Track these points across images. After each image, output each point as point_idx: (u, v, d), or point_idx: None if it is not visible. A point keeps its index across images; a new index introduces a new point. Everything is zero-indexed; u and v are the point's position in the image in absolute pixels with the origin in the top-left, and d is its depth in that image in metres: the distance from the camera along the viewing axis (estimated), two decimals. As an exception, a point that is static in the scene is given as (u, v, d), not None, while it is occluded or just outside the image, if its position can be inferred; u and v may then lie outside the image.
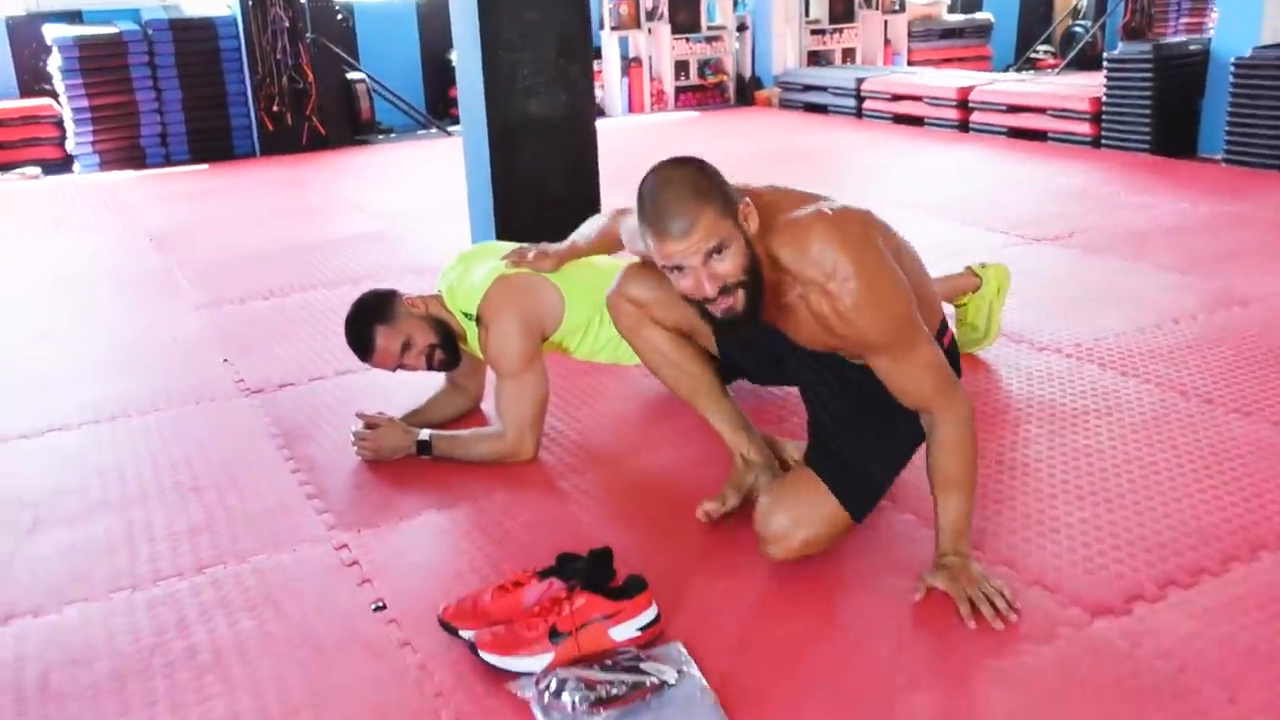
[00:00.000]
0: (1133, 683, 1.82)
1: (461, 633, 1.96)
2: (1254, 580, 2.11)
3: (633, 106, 10.05)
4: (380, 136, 8.89)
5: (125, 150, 7.91)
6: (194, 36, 7.99)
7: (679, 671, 1.84)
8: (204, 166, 7.89)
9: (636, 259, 2.42)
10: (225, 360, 3.63)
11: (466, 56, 4.31)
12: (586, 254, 2.78)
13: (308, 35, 8.20)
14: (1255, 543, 2.24)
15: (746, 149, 7.60)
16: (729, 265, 1.83)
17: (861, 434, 2.20)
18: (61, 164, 7.91)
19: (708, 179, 1.85)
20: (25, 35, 8.16)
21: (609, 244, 2.69)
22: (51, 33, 7.70)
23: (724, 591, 2.14)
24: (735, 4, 10.80)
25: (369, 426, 2.75)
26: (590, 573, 1.97)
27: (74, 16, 8.21)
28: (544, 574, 2.02)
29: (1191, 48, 7.08)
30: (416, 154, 8.06)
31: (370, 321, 2.67)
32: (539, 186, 4.43)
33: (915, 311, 2.00)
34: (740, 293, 1.86)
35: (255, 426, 3.07)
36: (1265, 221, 5.01)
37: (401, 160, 7.83)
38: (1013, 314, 3.71)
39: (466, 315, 2.74)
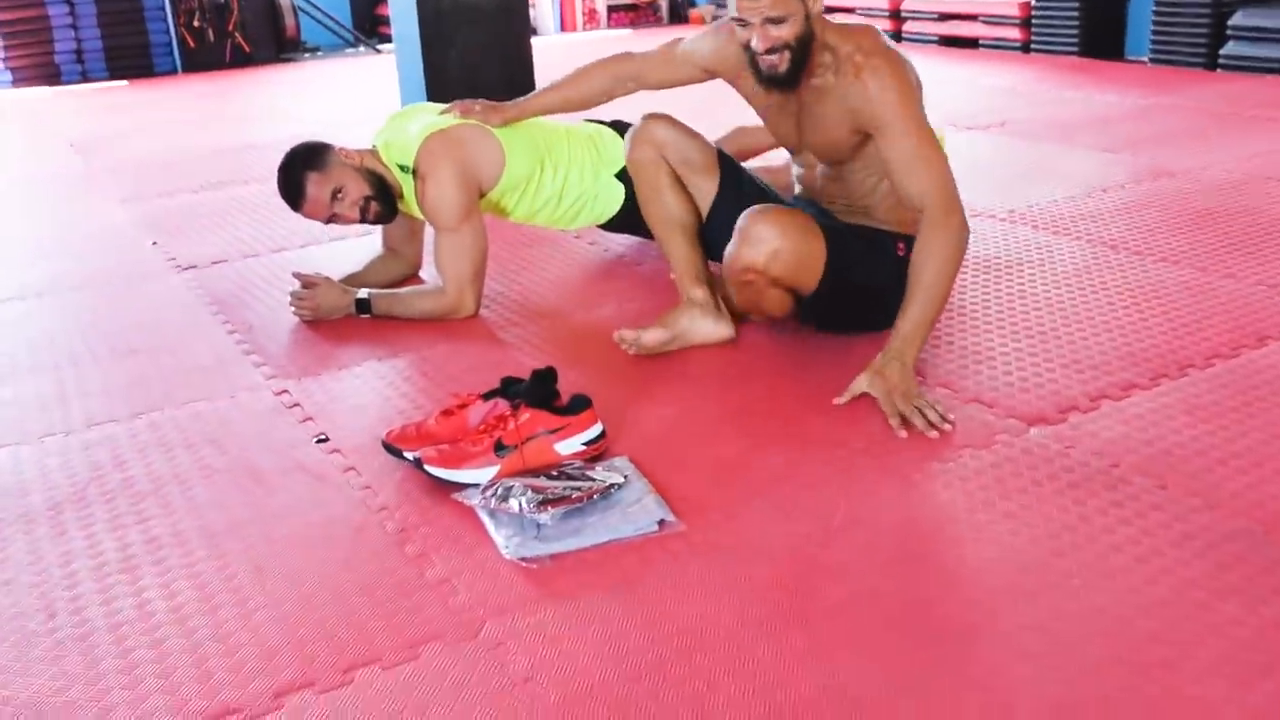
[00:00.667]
0: (1068, 477, 1.86)
1: (406, 454, 1.95)
2: (1182, 392, 2.17)
3: (565, 25, 9.91)
4: (307, 55, 8.68)
5: (39, 68, 7.63)
6: (108, -52, 7.69)
7: (625, 477, 1.85)
8: (123, 83, 7.64)
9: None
10: (154, 243, 3.55)
11: (394, -62, 4.20)
12: (547, 110, 2.76)
13: (227, -52, 7.94)
14: (1183, 362, 2.30)
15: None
16: (784, 32, 2.10)
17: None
18: (-28, 82, 7.62)
19: None
20: (-73, -53, 7.79)
21: (606, 87, 2.66)
22: (-45, -57, 7.37)
23: (668, 419, 2.15)
24: (667, -78, 10.65)
25: (306, 286, 2.71)
26: (534, 391, 1.97)
27: (-21, -72, 7.85)
28: (488, 395, 2.02)
29: (1119, -50, 7.14)
30: (345, 70, 7.89)
31: (302, 168, 2.61)
32: (472, 76, 4.37)
33: (928, 121, 2.19)
34: (786, 54, 2.13)
35: (188, 298, 3.00)
36: (1189, 110, 5.09)
37: (330, 76, 7.66)
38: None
39: (402, 169, 2.68)
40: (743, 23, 2.12)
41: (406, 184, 2.70)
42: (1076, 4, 6.87)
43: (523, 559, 1.66)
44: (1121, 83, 5.88)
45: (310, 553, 1.73)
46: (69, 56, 7.73)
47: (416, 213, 2.76)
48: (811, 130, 2.31)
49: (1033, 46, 7.20)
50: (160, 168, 4.74)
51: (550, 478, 1.84)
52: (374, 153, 2.74)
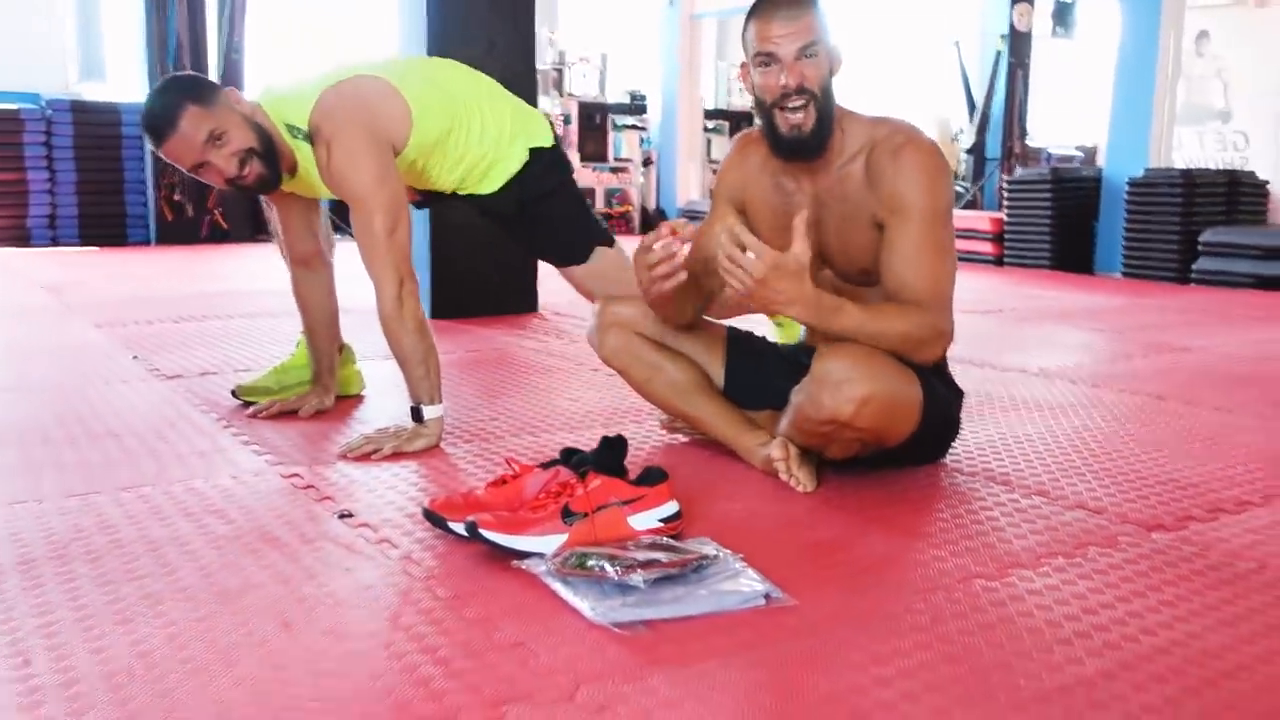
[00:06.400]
0: (1216, 574, 1.64)
1: (451, 524, 1.66)
2: (1300, 509, 1.97)
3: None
4: (282, 237, 8.62)
5: (9, 230, 7.46)
6: (96, 120, 7.70)
7: (715, 553, 1.59)
8: (94, 249, 7.48)
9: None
10: (135, 357, 3.27)
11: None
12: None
13: (215, 128, 7.99)
14: (1289, 486, 2.12)
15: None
16: (815, 71, 1.89)
17: None
18: (-64, 240, 7.42)
19: (821, 8, 1.92)
20: (-88, 110, 7.75)
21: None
22: (-59, 106, 7.34)
23: (738, 511, 1.90)
24: (641, 140, 11.07)
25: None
26: (604, 458, 1.72)
27: (-33, 95, 7.86)
28: (547, 465, 1.76)
29: (1084, 173, 7.46)
30: (322, 249, 7.79)
31: (180, 96, 2.16)
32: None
33: (952, 230, 1.97)
34: (812, 108, 1.89)
35: (175, 399, 2.72)
36: (1174, 308, 5.14)
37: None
38: (965, 349, 3.65)
39: (292, 130, 2.27)
40: (767, 60, 1.88)
41: (301, 151, 2.29)
42: (1048, 220, 7.09)
43: (616, 624, 1.37)
44: (1103, 289, 5.98)
45: (350, 612, 1.42)
46: (42, 221, 7.58)
47: (314, 188, 2.39)
48: (834, 236, 2.00)
49: (1005, 260, 7.38)
50: (136, 304, 4.50)
51: (627, 549, 1.57)
52: (261, 109, 2.28)
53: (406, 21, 4.21)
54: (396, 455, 2.18)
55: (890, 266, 1.93)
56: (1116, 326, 4.43)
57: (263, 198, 2.61)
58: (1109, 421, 2.64)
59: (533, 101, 4.45)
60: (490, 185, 2.53)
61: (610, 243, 2.68)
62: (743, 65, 1.98)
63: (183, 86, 2.22)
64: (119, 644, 1.30)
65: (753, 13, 1.92)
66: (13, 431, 2.36)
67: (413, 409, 2.27)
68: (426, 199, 2.66)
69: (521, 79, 4.29)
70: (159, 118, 2.16)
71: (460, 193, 2.57)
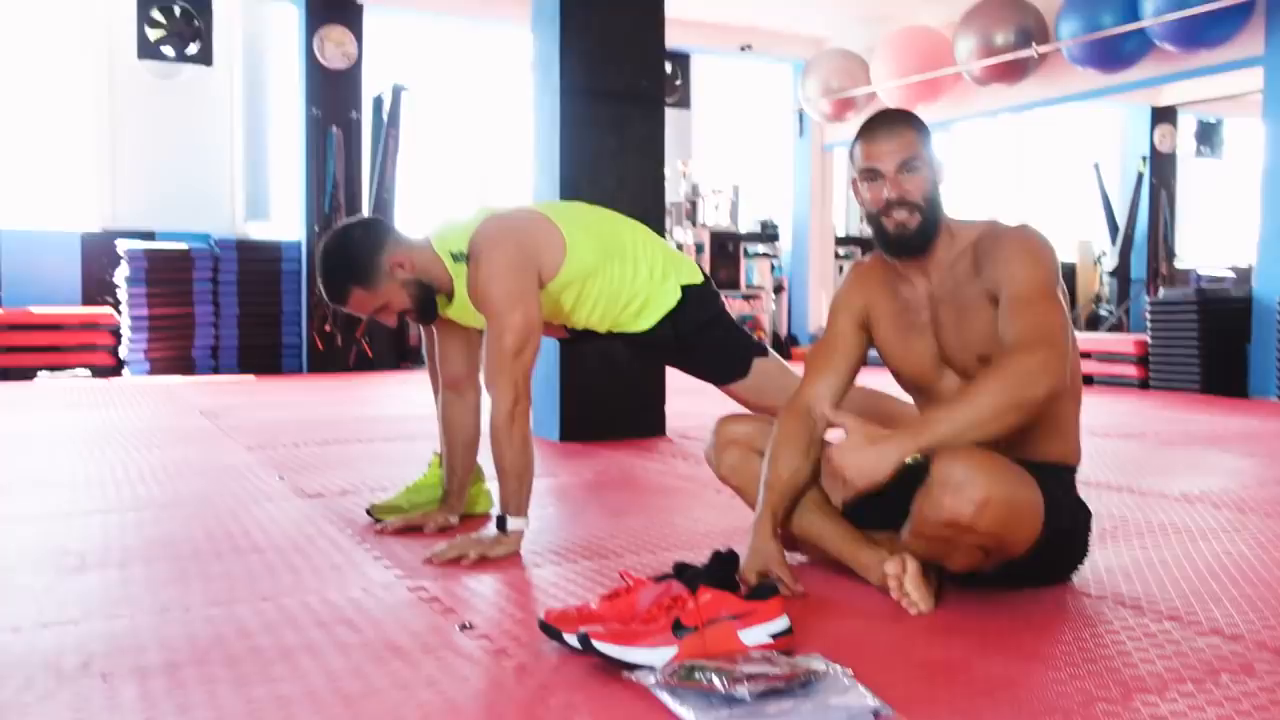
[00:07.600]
0: (1362, 705, 1.54)
1: (566, 636, 1.71)
2: None
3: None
4: (424, 364, 8.99)
5: (176, 359, 7.99)
6: (259, 257, 8.27)
7: (824, 667, 1.58)
8: (250, 377, 7.94)
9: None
10: (281, 478, 3.46)
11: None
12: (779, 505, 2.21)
13: (366, 263, 8.46)
14: None
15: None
16: (916, 183, 2.01)
17: None
18: (112, 369, 7.98)
19: (924, 127, 2.05)
20: (98, 249, 8.45)
21: (804, 442, 2.18)
22: (124, 246, 7.98)
23: (853, 629, 1.89)
24: (773, 267, 11.22)
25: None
26: (715, 573, 1.75)
27: (147, 236, 8.54)
28: (660, 579, 1.79)
29: (1233, 293, 7.22)
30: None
31: (349, 280, 2.41)
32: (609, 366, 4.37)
33: (1063, 302, 1.98)
34: (916, 215, 2.02)
35: (315, 515, 2.86)
36: (1341, 433, 4.88)
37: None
38: (1103, 472, 3.56)
39: (455, 257, 2.48)
40: (871, 175, 2.03)
41: (459, 275, 2.49)
42: (1195, 342, 6.85)
43: (719, 735, 1.38)
44: (1254, 413, 5.72)
45: (465, 719, 1.47)
46: (205, 352, 8.11)
47: (466, 313, 2.55)
48: (952, 331, 2.06)
49: (1151, 384, 7.14)
50: (286, 428, 4.76)
51: (736, 662, 1.58)
52: (428, 248, 2.51)
53: (542, 158, 4.45)
54: (481, 561, 2.29)
55: (1000, 330, 1.97)
56: (1269, 451, 4.24)
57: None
58: (1252, 547, 2.53)
59: (661, 233, 4.62)
60: (644, 323, 2.74)
61: (765, 353, 2.87)
62: (853, 179, 2.10)
63: (350, 268, 2.41)
64: (248, 741, 1.38)
65: (860, 132, 2.07)
66: (166, 546, 2.52)
67: (499, 517, 2.38)
68: (578, 336, 2.84)
69: (650, 214, 4.46)
70: (331, 294, 2.46)
71: (615, 331, 2.76)
